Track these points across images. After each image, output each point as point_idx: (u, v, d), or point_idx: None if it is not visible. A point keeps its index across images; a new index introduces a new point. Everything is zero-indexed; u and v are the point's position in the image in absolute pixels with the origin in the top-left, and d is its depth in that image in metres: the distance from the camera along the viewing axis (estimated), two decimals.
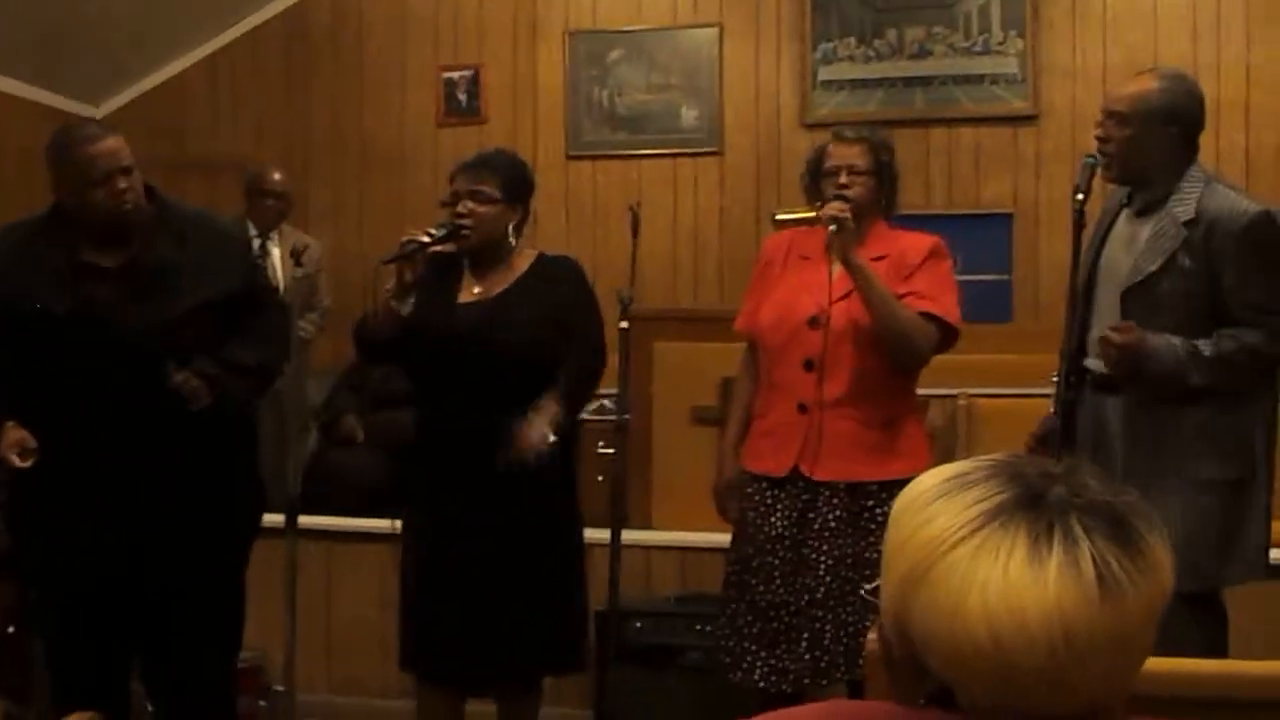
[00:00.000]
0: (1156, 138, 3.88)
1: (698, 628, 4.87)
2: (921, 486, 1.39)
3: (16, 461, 3.76)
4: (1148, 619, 1.32)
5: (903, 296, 3.99)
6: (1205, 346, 3.77)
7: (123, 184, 3.84)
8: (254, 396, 4.10)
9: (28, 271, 3.87)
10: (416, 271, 4.03)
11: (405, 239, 4.00)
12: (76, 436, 3.83)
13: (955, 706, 1.36)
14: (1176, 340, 3.77)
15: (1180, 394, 3.79)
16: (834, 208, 3.94)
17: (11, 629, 4.75)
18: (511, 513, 4.09)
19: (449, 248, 4.06)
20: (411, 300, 4.02)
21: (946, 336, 4.06)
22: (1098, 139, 3.98)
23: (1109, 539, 1.30)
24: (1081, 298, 4.04)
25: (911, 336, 3.99)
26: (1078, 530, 1.30)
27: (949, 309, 4.04)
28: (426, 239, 4.01)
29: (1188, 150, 3.93)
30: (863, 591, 1.30)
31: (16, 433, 3.77)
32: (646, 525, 5.57)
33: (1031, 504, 1.32)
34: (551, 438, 4.00)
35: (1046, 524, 1.30)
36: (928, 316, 4.00)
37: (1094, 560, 1.29)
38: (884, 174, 4.13)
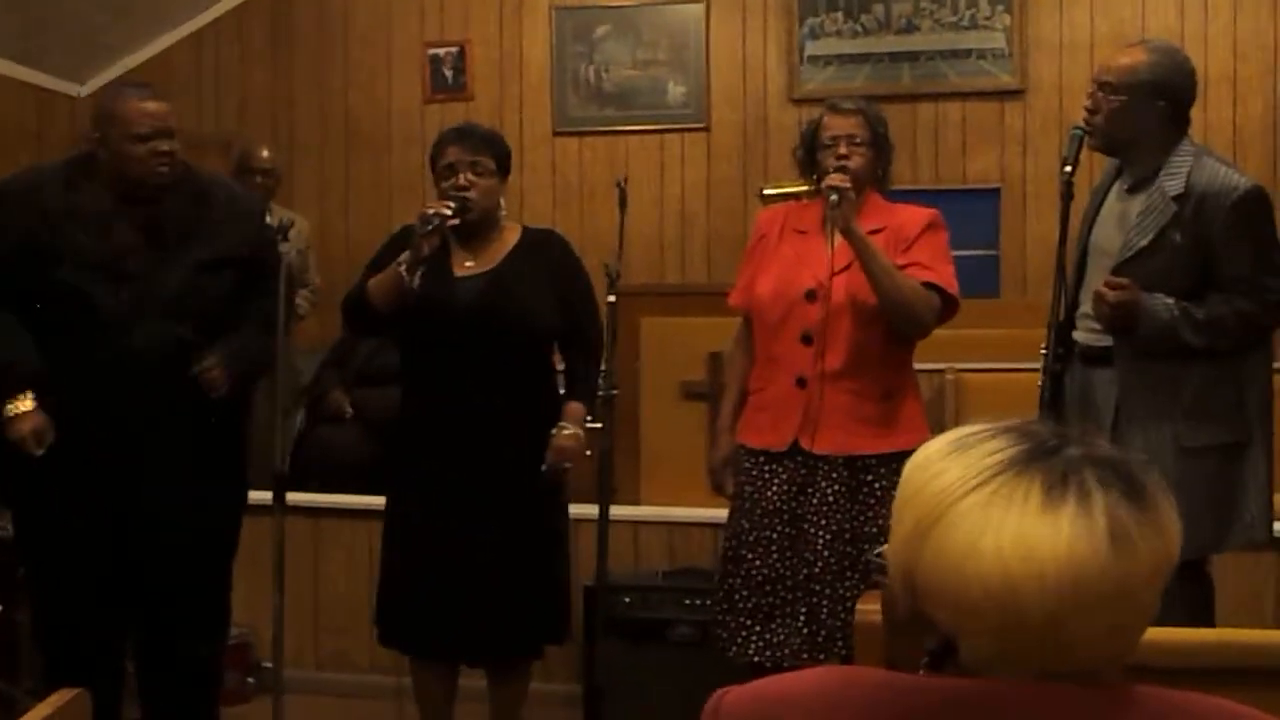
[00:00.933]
0: (1145, 110, 3.88)
1: (686, 602, 4.87)
2: (934, 446, 1.40)
3: (35, 450, 3.84)
4: (1154, 578, 1.33)
5: (903, 268, 3.98)
6: (1197, 309, 3.79)
7: (165, 146, 3.95)
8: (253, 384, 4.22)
9: (63, 214, 3.93)
10: (434, 245, 4.03)
11: (430, 211, 4.00)
12: (87, 394, 3.90)
13: (952, 669, 1.36)
14: (1170, 300, 3.79)
15: (1172, 350, 3.79)
16: (835, 179, 3.93)
17: (0, 607, 4.74)
18: (498, 486, 4.10)
19: (455, 221, 4.06)
20: (420, 272, 4.02)
21: (948, 306, 4.05)
22: (1086, 109, 3.98)
23: (1122, 495, 1.31)
24: (1074, 272, 4.05)
25: (914, 306, 3.98)
26: (1091, 483, 1.31)
27: (949, 279, 4.04)
28: (448, 211, 4.00)
29: (1177, 124, 3.93)
30: (871, 556, 1.30)
31: (39, 419, 3.86)
32: (635, 500, 5.58)
33: (1046, 456, 1.33)
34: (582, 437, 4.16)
35: (1061, 475, 1.31)
36: (929, 286, 3.99)
37: (1106, 512, 1.30)
38: (881, 145, 4.13)
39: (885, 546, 1.46)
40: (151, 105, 3.98)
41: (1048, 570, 1.27)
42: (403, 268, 4.00)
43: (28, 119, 7.89)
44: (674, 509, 5.36)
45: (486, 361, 4.08)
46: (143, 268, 3.92)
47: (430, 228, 3.97)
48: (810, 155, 4.16)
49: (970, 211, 7.32)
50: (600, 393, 4.27)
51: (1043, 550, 1.28)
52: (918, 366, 4.25)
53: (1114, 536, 1.29)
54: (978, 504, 1.31)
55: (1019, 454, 1.33)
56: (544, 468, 4.13)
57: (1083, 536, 1.28)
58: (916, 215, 4.11)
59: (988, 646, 1.32)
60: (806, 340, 4.01)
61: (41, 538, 4.04)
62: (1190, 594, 3.72)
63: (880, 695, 1.35)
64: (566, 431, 4.14)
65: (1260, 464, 3.89)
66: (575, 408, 4.18)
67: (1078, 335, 4.02)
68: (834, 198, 3.89)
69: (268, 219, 4.40)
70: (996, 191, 7.59)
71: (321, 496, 5.59)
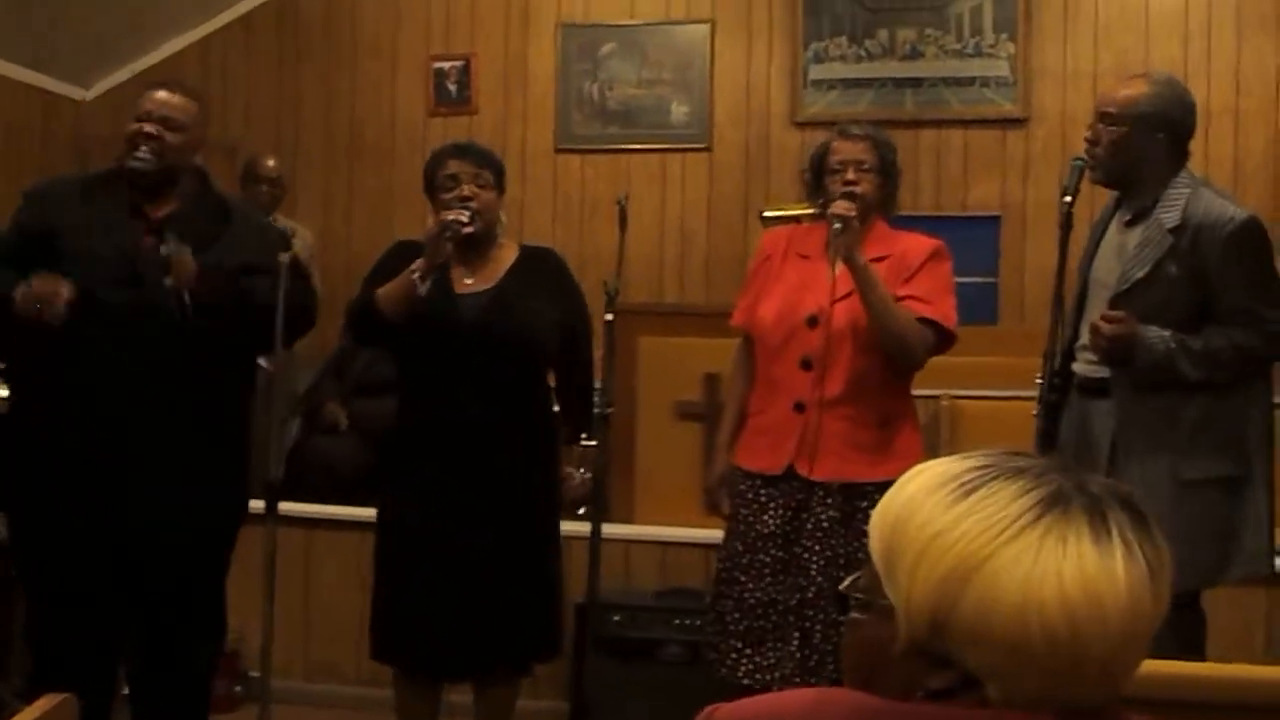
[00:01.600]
0: (1144, 142, 3.89)
1: (676, 622, 4.88)
2: (933, 479, 1.38)
3: (62, 297, 3.79)
4: (1163, 612, 1.34)
5: (902, 299, 3.99)
6: (1194, 341, 3.80)
7: (149, 129, 3.93)
8: (232, 319, 3.98)
9: (76, 218, 3.94)
10: (449, 254, 4.04)
11: (450, 217, 4.00)
12: (88, 394, 3.88)
13: (967, 703, 1.34)
14: (1166, 332, 3.79)
15: (1169, 383, 3.80)
16: (840, 207, 3.93)
17: None
18: (492, 498, 4.11)
19: (470, 229, 4.06)
20: (429, 282, 4.03)
21: (942, 341, 4.06)
22: (1086, 140, 3.99)
23: (1144, 532, 1.33)
24: (1074, 305, 4.06)
25: (907, 339, 3.99)
26: (1122, 521, 1.32)
27: (947, 314, 4.04)
28: (465, 218, 4.02)
29: (1176, 156, 3.94)
30: (846, 590, 1.27)
31: (53, 281, 3.81)
32: (628, 519, 5.58)
33: (1076, 494, 1.33)
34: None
35: (1099, 514, 1.31)
36: (925, 322, 4.00)
37: (1142, 550, 1.31)
38: (888, 172, 4.13)
39: (858, 577, 1.44)
40: (161, 94, 3.99)
41: (1110, 612, 1.28)
42: (416, 275, 4.01)
43: (34, 122, 7.90)
44: (667, 528, 5.36)
45: (484, 376, 4.09)
46: (149, 271, 3.89)
47: (449, 234, 3.98)
48: (818, 179, 4.17)
49: (970, 239, 7.31)
50: (595, 410, 4.29)
51: (1105, 592, 1.28)
52: (914, 393, 4.25)
53: (1152, 575, 1.31)
54: (1030, 546, 1.29)
55: (1054, 494, 1.33)
56: (562, 513, 4.25)
57: (1136, 577, 1.30)
58: (920, 244, 4.11)
59: (1034, 687, 1.31)
60: (806, 365, 4.01)
61: (38, 538, 4.02)
62: (1183, 626, 3.72)
63: (878, 717, 1.35)
64: (575, 481, 4.24)
65: (1261, 497, 3.89)
66: (579, 449, 4.24)
67: (1076, 367, 4.03)
68: (837, 225, 3.89)
69: (292, 244, 4.35)
70: (997, 219, 7.60)
71: (314, 507, 5.58)
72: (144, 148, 3.92)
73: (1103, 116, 3.95)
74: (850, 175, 4.06)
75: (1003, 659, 1.30)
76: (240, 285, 3.97)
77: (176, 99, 4.00)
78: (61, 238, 3.91)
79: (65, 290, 3.79)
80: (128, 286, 3.88)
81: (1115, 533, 1.30)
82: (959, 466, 1.38)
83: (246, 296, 3.97)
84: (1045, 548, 1.29)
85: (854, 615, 1.44)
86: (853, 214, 3.91)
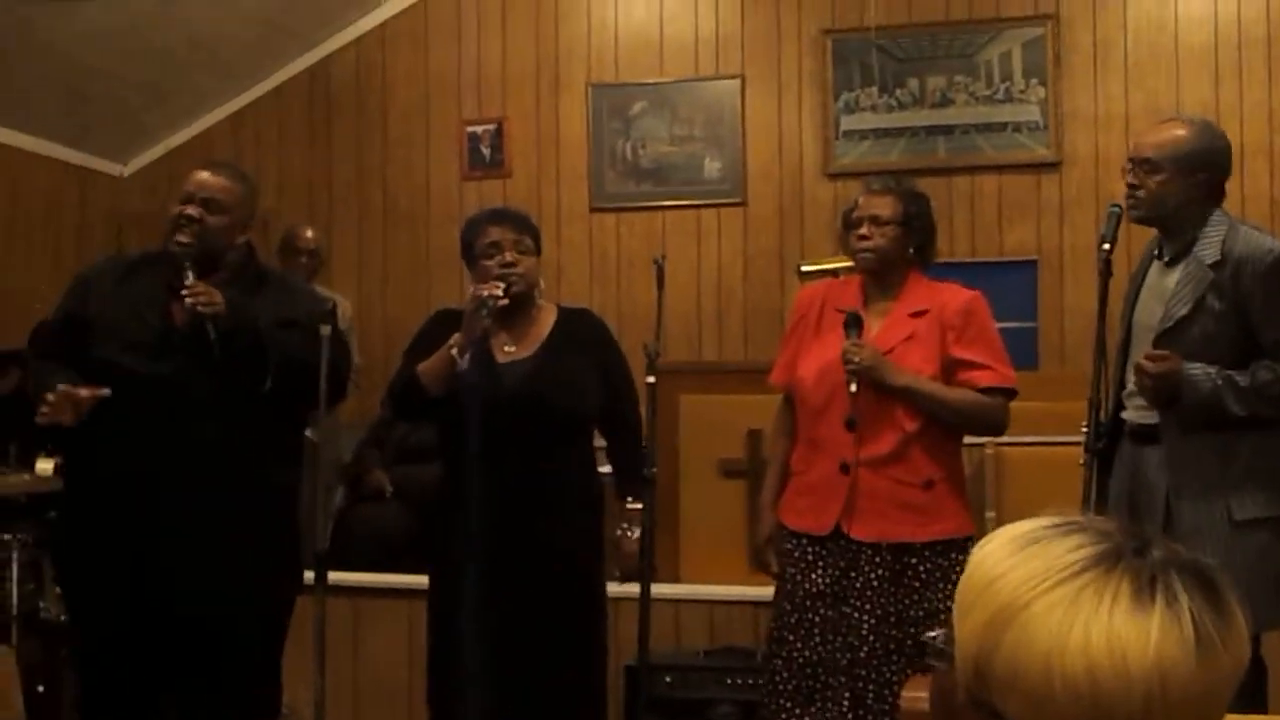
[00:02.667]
0: (1185, 184, 3.89)
1: (727, 681, 4.85)
2: (1002, 537, 1.39)
3: (70, 416, 3.79)
4: (1231, 686, 1.33)
5: (960, 363, 3.99)
6: (1241, 377, 3.77)
7: (191, 210, 3.95)
8: (266, 367, 3.93)
9: (117, 296, 3.97)
10: (487, 326, 4.05)
11: (484, 293, 4.00)
12: (133, 471, 3.88)
13: None
14: (1212, 369, 3.77)
15: (1219, 421, 3.77)
16: (850, 353, 3.92)
17: (41, 688, 4.75)
18: (538, 568, 4.10)
19: (505, 301, 4.07)
20: (468, 355, 4.04)
21: (1009, 399, 4.08)
22: (1129, 185, 3.98)
23: (1205, 601, 1.31)
24: (1119, 353, 4.04)
25: (979, 419, 4.08)
26: (1178, 587, 1.30)
27: (1007, 375, 4.05)
28: (499, 292, 4.02)
29: (1213, 196, 3.94)
30: (927, 639, 1.28)
31: (70, 396, 3.81)
32: (674, 578, 5.56)
33: (1132, 556, 1.32)
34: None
35: (1150, 577, 1.30)
36: (990, 390, 4.01)
37: (1193, 618, 1.29)
38: (912, 225, 4.11)
39: (943, 631, 1.45)
40: (203, 175, 4.02)
41: (1134, 672, 1.27)
42: (454, 350, 4.02)
43: (71, 198, 7.99)
44: (714, 587, 5.33)
45: (528, 442, 4.09)
46: (188, 346, 3.91)
47: (485, 310, 3.99)
48: (848, 233, 4.18)
49: (1008, 283, 7.31)
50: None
51: (1130, 651, 1.27)
52: (964, 439, 4.24)
53: (1200, 643, 1.28)
54: (1066, 598, 1.30)
55: (1105, 552, 1.32)
56: (618, 572, 4.25)
57: (1171, 640, 1.28)
58: (960, 297, 4.09)
59: None
60: (850, 425, 3.99)
61: (93, 619, 4.01)
62: (1245, 678, 3.66)
63: None
64: (634, 537, 4.22)
65: None
66: (633, 509, 4.24)
67: (1126, 414, 4.00)
68: (852, 387, 3.89)
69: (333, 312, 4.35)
70: (1034, 263, 7.59)
71: (362, 576, 5.58)
72: (184, 231, 3.95)
73: (1142, 162, 3.94)
74: (864, 230, 4.07)
75: (1031, 710, 1.30)
76: (274, 335, 3.96)
77: (218, 180, 4.02)
78: (100, 318, 3.94)
79: (75, 407, 3.80)
80: (164, 362, 3.90)
81: (1161, 596, 1.29)
82: (1031, 523, 1.39)
83: (281, 346, 3.95)
84: (1082, 600, 1.29)
85: (930, 662, 1.46)
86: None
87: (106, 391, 3.79)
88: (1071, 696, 1.28)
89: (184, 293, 3.83)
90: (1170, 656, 1.27)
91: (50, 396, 3.79)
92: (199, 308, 3.82)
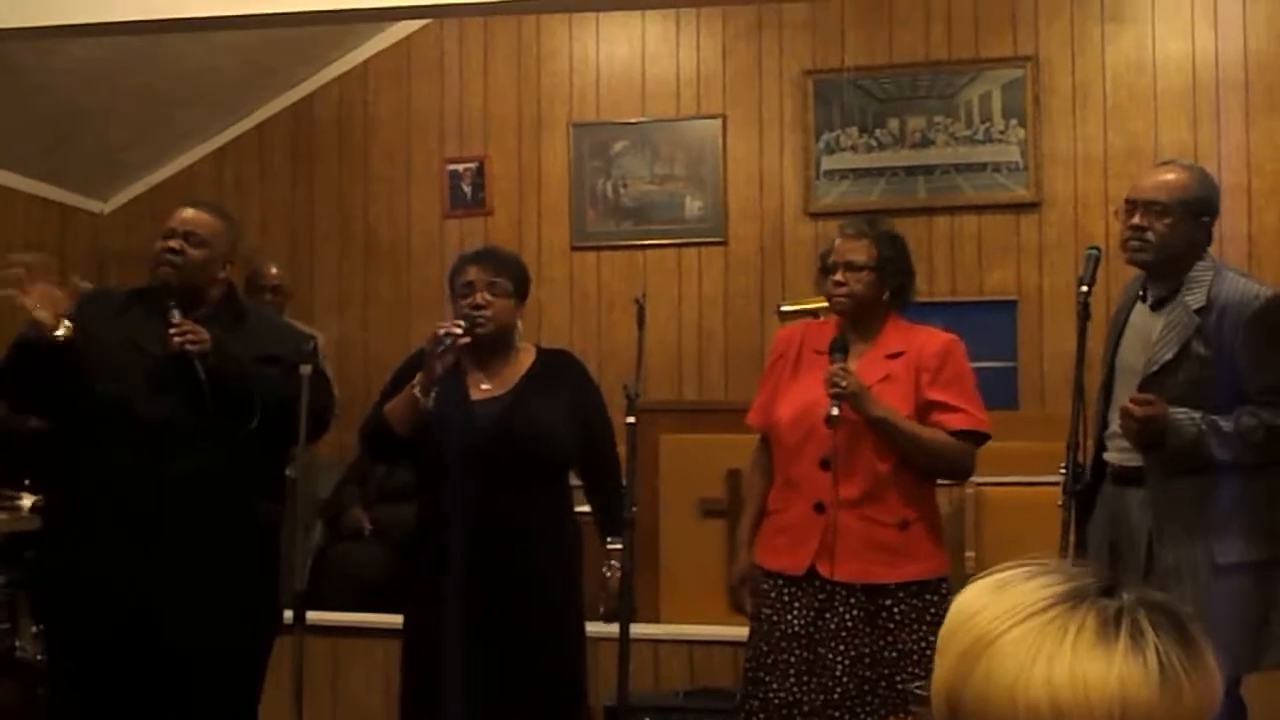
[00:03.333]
0: (1191, 228, 3.92)
1: None
2: (988, 578, 1.41)
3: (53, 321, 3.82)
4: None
5: (932, 405, 4.00)
6: (1225, 422, 3.78)
7: (173, 244, 4.01)
8: (252, 405, 3.96)
9: (109, 331, 4.00)
10: (448, 364, 4.04)
11: (443, 331, 4.02)
12: (122, 507, 3.90)
13: None
14: (1197, 414, 3.78)
15: (1202, 466, 3.78)
16: (836, 376, 3.93)
17: None
18: (514, 607, 4.09)
19: (466, 340, 4.08)
20: (434, 393, 4.04)
21: (979, 443, 4.08)
22: (1133, 227, 3.96)
23: (1173, 638, 1.32)
24: (1101, 395, 4.05)
25: (947, 460, 4.07)
26: (1145, 624, 1.32)
27: (979, 419, 4.06)
28: (458, 330, 4.02)
29: (1207, 239, 3.97)
30: (911, 689, 1.28)
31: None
32: (654, 618, 5.54)
33: (1100, 595, 1.34)
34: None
35: (1115, 613, 1.32)
36: (962, 434, 4.01)
37: (1158, 652, 1.30)
38: (887, 269, 4.11)
39: (925, 681, 1.46)
40: (187, 212, 4.10)
41: (1096, 704, 1.28)
42: (417, 390, 4.02)
43: (52, 235, 7.97)
44: (694, 627, 5.33)
45: (503, 481, 4.09)
46: (176, 383, 3.91)
47: (442, 348, 3.99)
48: (825, 276, 4.19)
49: (987, 324, 7.33)
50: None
51: (1093, 684, 1.28)
52: (937, 481, 4.25)
53: (1164, 676, 1.30)
54: (1032, 630, 1.31)
55: (1072, 590, 1.34)
56: (602, 610, 4.25)
57: (1135, 673, 1.29)
58: (936, 340, 4.11)
59: None
60: (825, 465, 3.99)
61: (70, 657, 4.02)
62: (1222, 717, 3.67)
63: None
64: (614, 580, 4.24)
65: None
66: (614, 547, 4.26)
67: (1109, 456, 4.01)
68: (835, 411, 3.89)
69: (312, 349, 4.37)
70: (1013, 304, 7.60)
71: (341, 615, 5.57)
72: (168, 261, 4.01)
73: (1150, 205, 3.94)
74: (839, 276, 4.08)
75: None
76: (259, 372, 4.00)
77: (200, 215, 4.10)
78: (94, 349, 3.94)
79: (53, 303, 3.85)
80: (152, 397, 3.91)
81: (1126, 631, 1.30)
82: (1012, 567, 1.41)
83: (265, 383, 3.99)
84: (1048, 633, 1.31)
85: (911, 709, 1.47)
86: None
87: (88, 285, 3.86)
88: None
89: (171, 331, 3.86)
90: (1133, 689, 1.28)
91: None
92: (187, 346, 3.84)
